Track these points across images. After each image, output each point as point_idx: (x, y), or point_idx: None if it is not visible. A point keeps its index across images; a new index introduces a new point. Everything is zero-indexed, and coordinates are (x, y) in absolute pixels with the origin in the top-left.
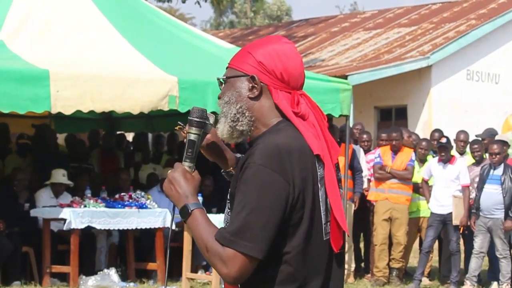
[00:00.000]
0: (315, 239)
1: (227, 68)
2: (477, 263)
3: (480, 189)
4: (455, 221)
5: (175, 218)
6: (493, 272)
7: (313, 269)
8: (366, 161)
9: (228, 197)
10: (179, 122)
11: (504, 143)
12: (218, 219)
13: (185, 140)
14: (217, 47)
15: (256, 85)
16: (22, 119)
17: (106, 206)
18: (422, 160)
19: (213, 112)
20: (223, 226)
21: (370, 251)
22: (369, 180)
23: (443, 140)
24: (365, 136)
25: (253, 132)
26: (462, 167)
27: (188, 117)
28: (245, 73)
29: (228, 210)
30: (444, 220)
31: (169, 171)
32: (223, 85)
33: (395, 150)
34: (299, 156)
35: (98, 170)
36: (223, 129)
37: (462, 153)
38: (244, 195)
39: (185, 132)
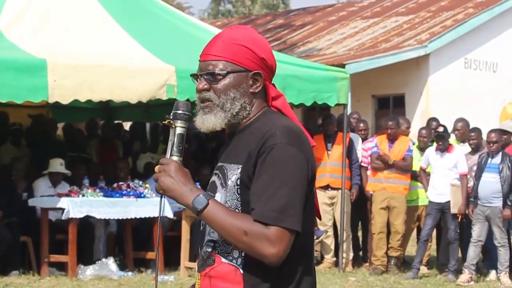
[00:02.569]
0: (311, 219)
1: (213, 60)
2: (475, 252)
3: (478, 177)
4: (453, 210)
5: (173, 207)
6: (491, 260)
7: (311, 249)
8: (363, 149)
9: (238, 183)
10: (167, 116)
11: (505, 132)
12: None
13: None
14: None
15: (258, 81)
16: (20, 109)
17: (104, 196)
18: (423, 149)
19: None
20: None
21: (368, 240)
22: (366, 168)
23: (440, 129)
24: (362, 125)
25: (242, 122)
26: (460, 156)
27: (174, 111)
28: (248, 68)
29: (238, 196)
30: (442, 209)
31: (159, 166)
32: (220, 78)
33: (392, 139)
34: (306, 139)
35: (96, 160)
36: (219, 122)
37: (463, 141)
38: (278, 173)
39: (173, 126)
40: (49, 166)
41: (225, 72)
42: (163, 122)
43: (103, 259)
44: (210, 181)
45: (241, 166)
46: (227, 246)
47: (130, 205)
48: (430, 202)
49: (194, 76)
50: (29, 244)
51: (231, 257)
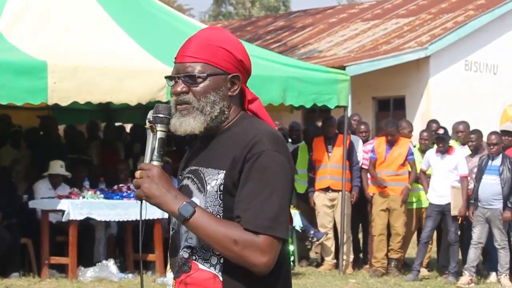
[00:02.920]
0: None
1: (192, 62)
2: (476, 254)
3: (478, 179)
4: (454, 212)
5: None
6: (491, 262)
7: (288, 254)
8: (364, 151)
9: (221, 189)
10: (149, 120)
11: (506, 134)
12: None
13: (152, 138)
14: None
15: (236, 84)
16: (20, 111)
17: (105, 197)
18: (424, 151)
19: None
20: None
21: (369, 242)
22: (366, 170)
23: (441, 131)
24: (363, 127)
25: (220, 126)
26: (460, 158)
27: (155, 115)
28: (226, 71)
29: (220, 202)
30: (442, 211)
31: (140, 171)
32: (201, 80)
33: (391, 143)
34: (286, 144)
35: (97, 162)
36: (198, 125)
37: (464, 143)
38: (267, 180)
39: (155, 130)
40: (49, 168)
41: (205, 74)
42: (145, 126)
43: (104, 261)
44: (182, 184)
45: (223, 171)
46: (205, 253)
47: (131, 207)
48: (430, 204)
49: (170, 78)
50: (29, 246)
51: (209, 264)
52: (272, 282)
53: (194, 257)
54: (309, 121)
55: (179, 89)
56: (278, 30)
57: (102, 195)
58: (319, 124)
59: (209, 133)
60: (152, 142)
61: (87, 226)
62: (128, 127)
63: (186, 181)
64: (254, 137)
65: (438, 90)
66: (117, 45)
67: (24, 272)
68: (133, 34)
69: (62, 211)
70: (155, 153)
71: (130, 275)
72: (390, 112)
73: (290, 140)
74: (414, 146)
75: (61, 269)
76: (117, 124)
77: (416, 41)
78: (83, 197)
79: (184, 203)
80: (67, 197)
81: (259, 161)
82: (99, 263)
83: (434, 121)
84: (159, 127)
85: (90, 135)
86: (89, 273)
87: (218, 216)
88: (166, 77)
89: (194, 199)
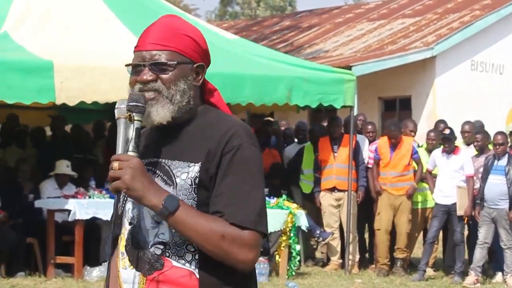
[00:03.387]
0: None
1: (160, 50)
2: (482, 254)
3: (484, 179)
4: (460, 212)
5: None
6: (497, 262)
7: None
8: (370, 151)
9: (196, 182)
10: (127, 107)
11: None
12: None
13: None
14: (220, 38)
15: (200, 74)
16: (27, 111)
17: (111, 197)
18: (431, 151)
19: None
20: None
21: (374, 241)
22: (372, 170)
23: (447, 131)
24: (370, 127)
25: (183, 116)
26: (466, 158)
27: (133, 104)
28: (193, 60)
29: (195, 195)
30: (448, 211)
31: (119, 162)
32: (171, 68)
33: (394, 145)
34: None
35: (103, 161)
36: (164, 115)
37: (468, 144)
38: (248, 175)
39: (133, 119)
40: (55, 167)
41: (175, 62)
42: (124, 116)
43: None
44: None
45: (197, 164)
46: (178, 249)
47: None
48: (436, 204)
49: (134, 66)
50: (35, 245)
51: (183, 261)
52: (248, 277)
53: (167, 254)
54: (315, 121)
55: (146, 77)
56: (284, 30)
57: (108, 195)
58: (325, 124)
59: (169, 124)
60: (127, 132)
61: (93, 225)
62: None
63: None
64: (229, 129)
65: (444, 90)
66: (123, 45)
67: (30, 271)
68: (138, 33)
69: (68, 211)
70: (132, 143)
71: None
72: (396, 112)
73: (296, 140)
74: (421, 146)
75: (67, 268)
76: None
77: (422, 41)
78: (89, 196)
79: (168, 196)
80: (73, 196)
81: (239, 154)
82: (105, 263)
83: (442, 121)
84: (136, 116)
85: (96, 134)
86: (95, 272)
87: None
88: (128, 65)
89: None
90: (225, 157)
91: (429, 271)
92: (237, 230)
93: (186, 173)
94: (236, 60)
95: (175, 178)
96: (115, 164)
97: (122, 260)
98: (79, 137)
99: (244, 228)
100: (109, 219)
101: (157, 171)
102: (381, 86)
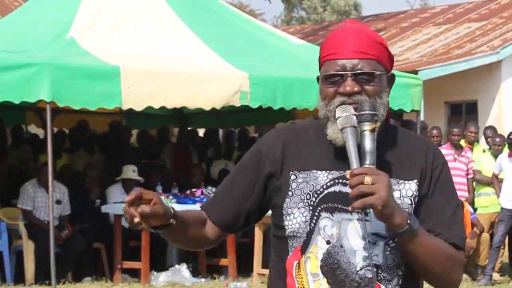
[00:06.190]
0: None
1: (368, 59)
2: None
3: None
4: None
5: None
6: None
7: None
8: None
9: (415, 201)
10: (362, 119)
11: None
12: None
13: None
14: (287, 42)
15: (391, 85)
16: (94, 116)
17: (177, 202)
18: (496, 156)
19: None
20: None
21: None
22: None
23: None
24: (435, 131)
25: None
26: None
27: (371, 112)
28: (388, 70)
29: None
30: None
31: (373, 177)
32: (376, 79)
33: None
34: None
35: (170, 166)
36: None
37: None
38: (452, 192)
39: (375, 130)
40: (122, 172)
41: (379, 72)
42: (350, 125)
43: (176, 266)
44: (328, 191)
45: (411, 182)
46: (390, 273)
47: None
48: (502, 208)
49: (331, 76)
50: (102, 250)
51: (391, 285)
52: None
53: (379, 277)
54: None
55: (349, 88)
56: None
57: (175, 200)
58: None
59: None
60: (364, 143)
61: None
62: (200, 131)
63: (336, 188)
64: (429, 145)
65: (510, 94)
66: (190, 50)
67: (97, 276)
68: (206, 39)
69: None
70: (374, 156)
71: (202, 280)
72: (463, 117)
73: None
74: (485, 151)
75: (134, 273)
76: (189, 128)
77: (488, 45)
78: None
79: (410, 214)
80: None
81: (444, 172)
82: (172, 268)
83: (489, 127)
84: (366, 125)
85: (161, 140)
86: (162, 277)
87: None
88: (326, 75)
89: (354, 217)
90: (433, 175)
91: (495, 276)
92: (455, 251)
93: (398, 190)
94: (304, 65)
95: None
96: (368, 179)
97: (316, 282)
98: (145, 142)
99: (459, 248)
100: None
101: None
102: (447, 90)
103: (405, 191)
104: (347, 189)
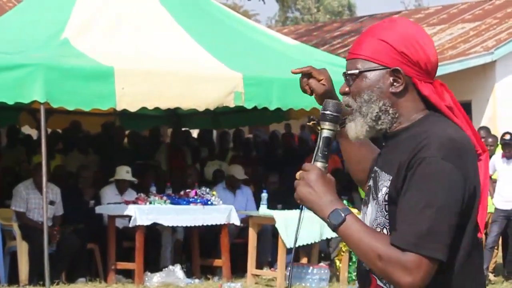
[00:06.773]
0: (476, 244)
1: (351, 59)
2: None
3: None
4: None
5: (240, 214)
6: None
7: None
8: None
9: (386, 199)
10: (312, 117)
11: None
12: (283, 216)
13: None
14: (281, 43)
15: (400, 79)
16: (88, 117)
17: (171, 203)
18: (490, 156)
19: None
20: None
21: None
22: None
23: (507, 137)
24: (490, 139)
25: (394, 128)
26: None
27: (322, 111)
28: (385, 65)
29: (386, 213)
30: (508, 216)
31: (301, 172)
32: (353, 79)
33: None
34: (471, 150)
35: (165, 167)
36: (359, 129)
37: None
38: (425, 192)
39: (318, 128)
40: (116, 173)
41: (357, 72)
42: (307, 123)
43: (170, 266)
44: (368, 184)
45: (391, 178)
46: None
47: (197, 213)
48: (496, 209)
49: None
50: (96, 251)
51: (384, 281)
52: None
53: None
54: None
55: (341, 89)
56: (345, 35)
57: (169, 201)
58: None
59: (388, 133)
60: (318, 141)
61: (153, 231)
62: (194, 132)
63: (370, 182)
64: (422, 140)
65: (504, 95)
66: (184, 51)
67: (91, 277)
68: (200, 40)
69: (129, 217)
70: (319, 153)
71: (196, 281)
72: None
73: None
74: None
75: (128, 274)
76: (183, 129)
77: (482, 46)
78: (150, 202)
79: (335, 209)
80: (134, 202)
81: (421, 168)
82: (166, 269)
83: (482, 128)
84: (326, 125)
85: (152, 141)
86: (156, 278)
87: (384, 228)
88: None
89: (368, 206)
90: (409, 171)
91: (490, 276)
92: (395, 252)
93: (385, 187)
94: (298, 66)
95: (378, 191)
96: (297, 174)
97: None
98: (138, 144)
99: (404, 250)
100: (169, 225)
101: (370, 183)
102: None
103: (387, 188)
104: (370, 183)
